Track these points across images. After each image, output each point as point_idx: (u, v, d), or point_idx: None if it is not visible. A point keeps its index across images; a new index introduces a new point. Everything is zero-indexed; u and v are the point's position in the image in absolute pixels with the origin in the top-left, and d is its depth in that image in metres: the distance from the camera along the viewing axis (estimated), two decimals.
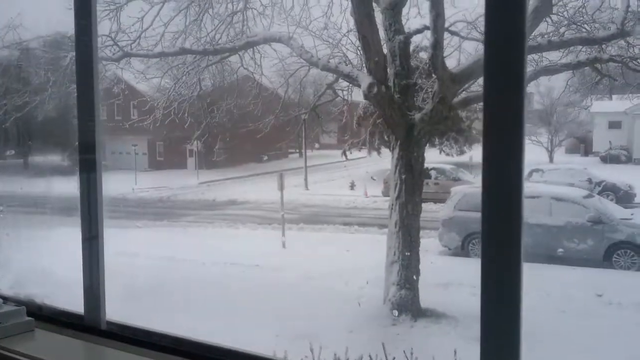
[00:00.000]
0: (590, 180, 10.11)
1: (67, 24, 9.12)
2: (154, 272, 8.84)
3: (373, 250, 7.68)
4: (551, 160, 12.58)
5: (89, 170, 2.41)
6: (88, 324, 2.20)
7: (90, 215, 2.39)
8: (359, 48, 7.31)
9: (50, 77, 8.77)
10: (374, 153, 9.68)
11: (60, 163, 13.45)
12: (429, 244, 8.50)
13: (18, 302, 2.24)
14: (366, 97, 6.75)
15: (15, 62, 9.53)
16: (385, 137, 8.85)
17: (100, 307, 2.21)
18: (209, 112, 9.33)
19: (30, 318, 2.13)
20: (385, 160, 8.26)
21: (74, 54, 8.36)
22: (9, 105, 9.39)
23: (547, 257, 7.74)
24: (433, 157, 9.74)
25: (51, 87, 8.62)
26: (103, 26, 7.47)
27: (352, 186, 12.81)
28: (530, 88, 8.65)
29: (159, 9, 7.53)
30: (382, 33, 6.56)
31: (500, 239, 1.57)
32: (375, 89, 6.45)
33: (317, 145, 15.51)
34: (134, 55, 7.78)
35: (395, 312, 6.61)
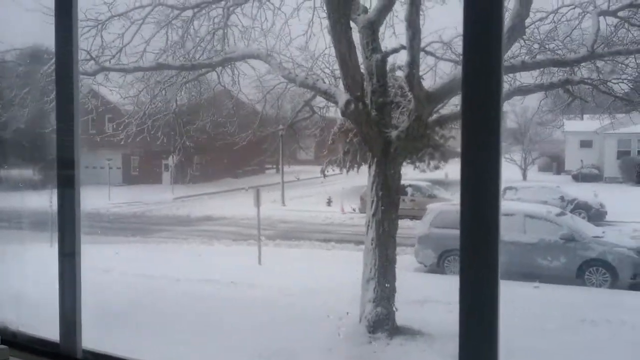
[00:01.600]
0: (562, 198, 10.31)
1: (44, 36, 9.03)
2: (126, 289, 8.67)
3: (350, 267, 7.67)
4: (524, 178, 12.80)
5: (67, 185, 2.35)
6: (64, 352, 2.14)
7: (67, 232, 2.33)
8: (335, 70, 7.40)
9: (24, 90, 8.63)
10: (352, 169, 9.72)
11: (31, 177, 13.20)
12: (405, 261, 8.52)
13: None
14: (343, 114, 6.77)
15: None
16: (358, 156, 8.92)
17: (76, 334, 2.16)
18: (183, 128, 9.26)
19: (4, 346, 2.06)
20: (361, 177, 8.29)
21: (47, 67, 8.28)
22: None
23: (521, 274, 7.83)
24: (408, 173, 9.81)
25: (25, 100, 8.48)
26: (84, 43, 7.42)
27: (329, 202, 12.82)
28: (505, 107, 8.82)
29: (138, 26, 7.53)
30: (359, 51, 6.61)
31: (479, 257, 1.58)
32: (352, 106, 6.48)
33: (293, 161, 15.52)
34: (111, 69, 7.70)
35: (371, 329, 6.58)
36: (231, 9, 8.20)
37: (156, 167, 15.35)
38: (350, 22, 6.45)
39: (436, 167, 9.91)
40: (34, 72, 8.82)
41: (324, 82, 7.68)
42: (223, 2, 8.13)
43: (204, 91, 9.31)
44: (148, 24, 8.00)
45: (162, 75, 8.49)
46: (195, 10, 8.19)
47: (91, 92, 9.34)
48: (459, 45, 6.80)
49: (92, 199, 12.51)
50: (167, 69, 8.18)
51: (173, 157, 12.78)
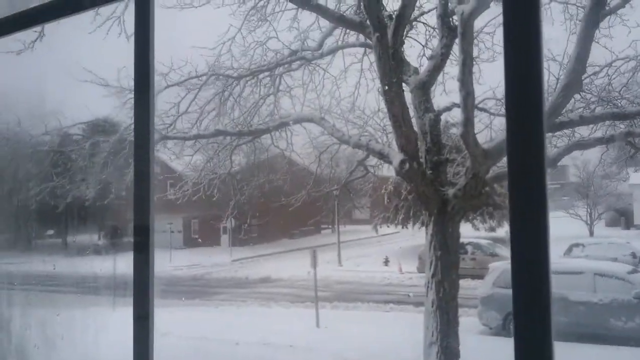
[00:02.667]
0: (634, 255, 9.74)
1: (104, 110, 9.63)
2: (185, 352, 8.70)
3: (410, 329, 7.44)
4: (591, 234, 12.21)
5: (142, 251, 2.49)
6: None
7: (141, 295, 2.44)
8: (386, 127, 7.47)
9: (88, 161, 9.14)
10: (408, 228, 9.60)
11: (96, 242, 13.71)
12: (468, 323, 8.19)
13: None
14: (398, 173, 6.77)
15: (56, 148, 9.98)
16: (411, 213, 8.82)
17: None
18: (239, 189, 9.49)
19: None
20: (419, 236, 8.17)
21: (107, 139, 8.76)
22: (49, 188, 9.76)
23: (592, 336, 7.36)
24: (466, 231, 9.58)
25: (89, 171, 8.96)
26: None
27: (386, 262, 12.61)
28: (566, 161, 8.57)
29: (194, 95, 7.92)
30: (411, 111, 6.67)
31: (531, 317, 1.53)
32: (407, 166, 6.48)
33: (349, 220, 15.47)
34: (172, 137, 8.08)
35: None
36: (282, 74, 8.51)
37: (215, 230, 15.66)
38: (403, 83, 6.56)
39: (492, 229, 9.63)
40: (97, 145, 9.35)
41: (378, 142, 7.75)
42: (275, 69, 8.46)
43: (259, 153, 9.56)
44: (203, 90, 8.39)
45: (217, 139, 8.82)
46: (248, 77, 8.54)
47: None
48: None
49: (155, 262, 12.82)
50: (226, 135, 8.49)
51: (230, 219, 13.02)
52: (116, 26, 6.39)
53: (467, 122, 5.69)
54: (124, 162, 9.24)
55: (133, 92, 2.61)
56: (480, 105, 7.14)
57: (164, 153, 9.20)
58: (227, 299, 12.67)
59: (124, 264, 11.40)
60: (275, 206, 11.07)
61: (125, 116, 8.67)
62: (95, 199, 10.17)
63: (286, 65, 8.25)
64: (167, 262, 14.04)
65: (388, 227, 10.40)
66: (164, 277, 13.91)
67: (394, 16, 6.20)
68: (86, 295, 11.88)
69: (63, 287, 11.88)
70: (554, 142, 6.46)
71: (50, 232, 13.58)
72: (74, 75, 8.06)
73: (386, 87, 6.06)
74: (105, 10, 6.06)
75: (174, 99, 8.09)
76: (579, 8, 6.25)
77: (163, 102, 8.16)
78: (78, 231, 13.80)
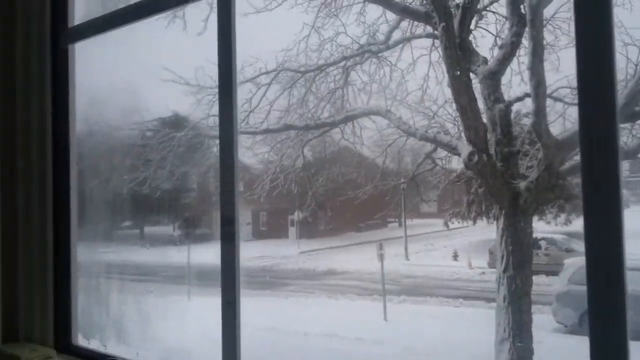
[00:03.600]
0: None
1: (182, 106, 10.02)
2: (259, 343, 8.95)
3: (480, 325, 7.30)
4: None
5: (229, 240, 2.72)
6: None
7: (229, 283, 2.67)
8: (457, 118, 7.33)
9: (166, 155, 9.57)
10: (478, 222, 9.39)
11: (171, 233, 14.30)
12: (542, 320, 7.92)
13: None
14: (467, 166, 6.66)
15: (138, 142, 10.50)
16: (483, 207, 8.59)
17: None
18: (314, 182, 9.66)
19: None
20: (488, 230, 7.98)
21: (184, 133, 9.18)
22: (130, 180, 10.28)
23: None
24: (540, 226, 9.26)
25: (167, 164, 9.38)
26: (214, 109, 8.11)
27: (455, 257, 12.38)
28: None
29: (265, 91, 8.11)
30: (480, 102, 6.53)
31: (605, 315, 1.50)
32: (475, 158, 6.36)
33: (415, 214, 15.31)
34: (242, 132, 8.32)
35: None
36: (350, 68, 8.54)
37: (283, 223, 15.95)
38: (470, 73, 6.42)
39: (565, 223, 9.23)
40: (174, 139, 9.76)
41: (446, 134, 7.63)
42: (342, 63, 8.50)
43: (328, 147, 9.66)
44: (273, 85, 8.61)
45: (288, 133, 9.00)
46: (316, 72, 8.64)
47: None
48: None
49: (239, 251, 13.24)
50: (293, 129, 8.65)
51: (298, 212, 13.23)
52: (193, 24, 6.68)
53: (539, 112, 5.52)
54: (198, 157, 9.61)
55: (217, 89, 2.80)
56: (555, 95, 6.87)
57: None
58: (295, 291, 12.90)
59: (196, 255, 11.86)
60: (342, 200, 11.14)
61: (201, 112, 9.06)
62: (169, 192, 10.63)
63: (354, 59, 8.28)
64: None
65: (453, 223, 10.20)
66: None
67: (460, 5, 6.08)
68: (164, 284, 12.45)
69: (142, 276, 12.50)
70: (634, 132, 6.13)
71: (128, 223, 14.28)
72: (154, 73, 8.49)
73: (453, 78, 5.96)
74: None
75: (246, 95, 8.38)
76: None
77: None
78: (153, 222, 14.46)
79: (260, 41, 7.98)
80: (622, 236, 1.54)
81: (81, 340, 3.96)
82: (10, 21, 3.91)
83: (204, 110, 8.86)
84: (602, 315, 1.55)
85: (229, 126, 2.77)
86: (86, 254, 4.23)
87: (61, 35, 3.96)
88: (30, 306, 3.79)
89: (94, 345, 4.13)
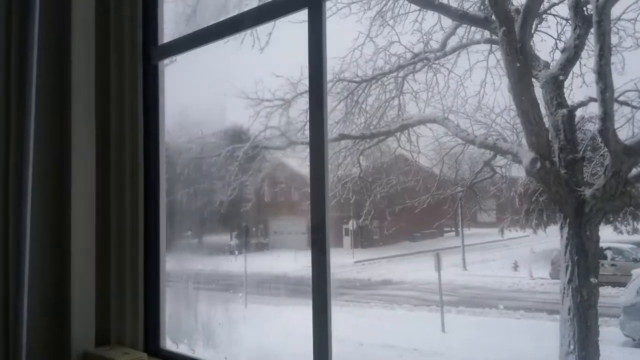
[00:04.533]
0: None
1: (242, 118, 10.25)
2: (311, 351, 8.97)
3: (541, 338, 7.07)
4: None
5: (320, 248, 2.80)
6: None
7: (320, 291, 2.75)
8: (516, 125, 7.17)
9: (224, 167, 9.80)
10: (539, 231, 9.11)
11: (228, 242, 14.57)
12: (609, 333, 7.58)
13: None
14: (529, 173, 6.49)
15: (197, 154, 10.80)
16: (544, 217, 8.33)
17: None
18: (371, 191, 9.65)
19: None
20: (550, 239, 7.73)
21: (247, 146, 9.39)
22: (188, 192, 10.56)
23: None
24: (607, 235, 8.90)
25: (225, 176, 9.61)
26: (274, 120, 8.28)
27: (515, 267, 12.03)
28: None
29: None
30: (542, 107, 6.37)
31: None
32: (538, 165, 6.20)
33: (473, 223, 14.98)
34: (298, 142, 8.44)
35: None
36: (405, 77, 8.52)
37: (337, 232, 15.96)
38: (532, 78, 6.29)
39: (635, 231, 8.82)
40: (234, 151, 9.99)
41: (506, 141, 7.48)
42: (397, 72, 8.49)
43: (384, 155, 9.63)
44: (330, 97, 8.68)
45: (345, 143, 9.04)
46: (372, 81, 8.66)
47: (280, 164, 10.22)
48: None
49: (280, 262, 13.38)
50: (348, 139, 8.68)
51: (353, 221, 13.22)
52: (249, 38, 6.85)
53: (606, 117, 5.33)
54: (255, 168, 9.79)
55: (308, 97, 2.86)
56: (621, 98, 6.62)
57: (293, 158, 9.63)
58: (350, 300, 12.85)
59: (251, 264, 12.03)
60: (398, 209, 11.06)
61: (259, 124, 9.25)
62: (228, 202, 10.85)
63: (409, 67, 8.26)
64: (292, 263, 14.55)
65: (511, 231, 9.93)
66: (292, 277, 14.44)
67: (521, 9, 5.97)
68: (221, 292, 12.67)
69: (201, 284, 12.76)
70: None
71: (189, 232, 14.63)
72: (215, 87, 8.75)
73: (514, 83, 5.84)
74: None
75: (303, 107, 8.50)
76: None
77: (294, 109, 8.58)
78: (212, 232, 14.78)
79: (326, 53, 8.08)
80: None
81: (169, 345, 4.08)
82: (105, 30, 4.05)
83: (262, 122, 9.05)
84: None
85: (319, 135, 2.84)
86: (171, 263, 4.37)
87: (153, 51, 4.07)
88: (121, 311, 3.95)
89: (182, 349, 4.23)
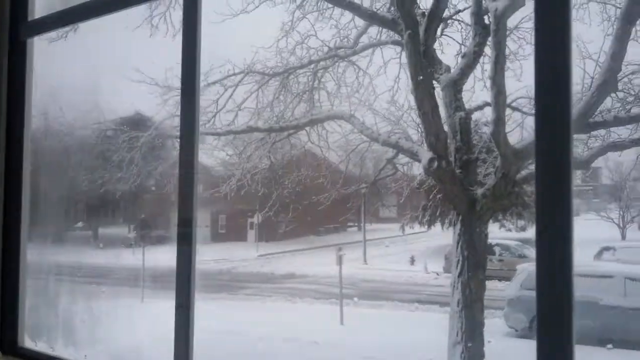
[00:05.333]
0: None
1: (145, 105, 9.84)
2: (210, 345, 8.82)
3: (434, 329, 7.41)
4: (623, 237, 11.94)
5: (186, 242, 2.65)
6: None
7: (183, 286, 2.59)
8: (420, 125, 7.45)
9: (126, 155, 9.36)
10: (434, 227, 9.55)
11: (126, 235, 13.98)
12: (494, 325, 8.12)
13: None
14: (427, 172, 6.76)
15: (96, 141, 10.24)
16: (438, 212, 8.75)
17: None
18: (280, 184, 9.62)
19: None
20: (445, 235, 8.12)
21: (148, 134, 8.98)
22: (86, 181, 10.01)
23: (622, 341, 7.21)
24: (495, 232, 9.49)
25: (126, 165, 9.18)
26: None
27: (412, 261, 12.55)
28: (599, 162, 8.41)
29: (231, 93, 8.07)
30: (442, 109, 6.65)
31: (553, 320, 1.56)
32: (435, 164, 6.46)
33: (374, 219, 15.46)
34: (206, 133, 8.23)
35: None
36: (319, 72, 8.57)
37: (242, 225, 15.81)
38: (433, 81, 6.55)
39: (522, 229, 9.51)
40: (136, 139, 9.56)
41: (408, 140, 7.74)
42: (312, 66, 8.51)
43: (294, 149, 9.64)
44: (241, 85, 8.55)
45: (255, 135, 8.95)
46: (284, 75, 8.62)
47: None
48: None
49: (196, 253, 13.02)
50: (257, 132, 8.60)
51: (258, 215, 13.15)
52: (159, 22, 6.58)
53: (498, 121, 5.66)
54: (155, 157, 9.42)
55: (180, 90, 2.72)
56: (514, 104, 7.07)
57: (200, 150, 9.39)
58: (252, 294, 12.79)
59: (151, 257, 11.62)
60: (305, 204, 11.14)
61: (167, 113, 8.91)
62: (126, 193, 10.39)
63: (322, 63, 8.31)
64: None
65: (413, 227, 10.34)
66: None
67: (426, 13, 6.20)
68: (115, 287, 12.14)
69: (92, 279, 12.16)
70: (589, 144, 6.35)
71: (80, 224, 13.83)
72: (118, 71, 8.32)
73: (416, 85, 6.06)
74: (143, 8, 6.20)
75: (213, 97, 8.30)
76: (617, 9, 6.14)
77: (203, 99, 8.34)
78: (108, 224, 14.10)
79: (239, 43, 7.91)
80: (572, 243, 1.60)
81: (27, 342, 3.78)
82: None
83: (169, 111, 8.72)
84: (549, 320, 1.61)
85: (190, 126, 2.70)
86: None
87: (21, 27, 3.75)
88: None
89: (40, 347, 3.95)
